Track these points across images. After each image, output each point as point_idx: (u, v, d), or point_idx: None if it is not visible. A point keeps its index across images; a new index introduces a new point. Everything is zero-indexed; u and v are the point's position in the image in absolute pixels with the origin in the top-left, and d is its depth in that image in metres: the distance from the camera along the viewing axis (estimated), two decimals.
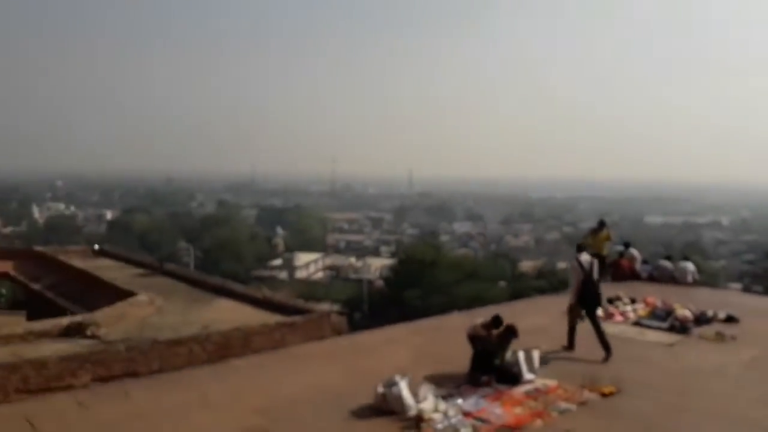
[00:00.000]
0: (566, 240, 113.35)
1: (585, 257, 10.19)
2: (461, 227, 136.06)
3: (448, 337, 10.69)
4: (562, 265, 71.21)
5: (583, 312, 10.17)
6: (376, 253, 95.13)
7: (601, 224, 15.98)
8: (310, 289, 56.44)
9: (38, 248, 31.09)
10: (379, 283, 59.55)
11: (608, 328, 11.89)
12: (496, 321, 8.67)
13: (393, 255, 65.65)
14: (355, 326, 27.78)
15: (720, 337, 11.17)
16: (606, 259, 16.43)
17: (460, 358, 8.86)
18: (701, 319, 12.27)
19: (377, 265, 72.54)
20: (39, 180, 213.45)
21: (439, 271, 47.10)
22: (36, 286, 23.39)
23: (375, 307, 46.36)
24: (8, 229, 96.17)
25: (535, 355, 8.71)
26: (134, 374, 12.55)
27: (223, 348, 13.53)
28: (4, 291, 40.66)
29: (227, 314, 16.68)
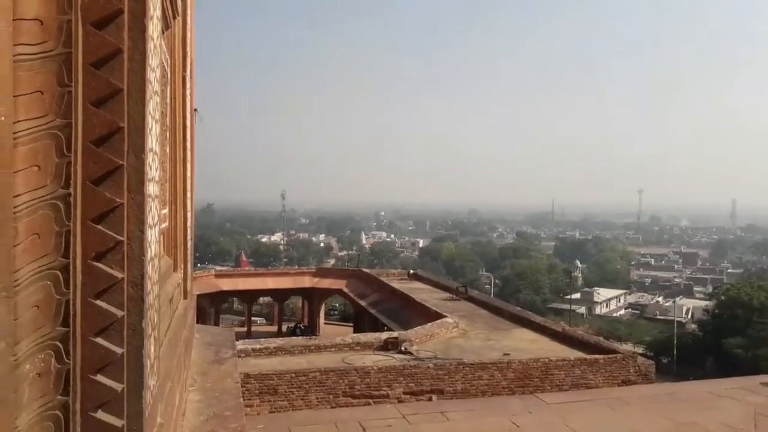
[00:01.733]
0: None
1: None
2: None
3: None
4: None
5: None
6: (687, 292, 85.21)
7: None
8: (611, 327, 53.11)
9: (365, 270, 35.69)
10: (691, 326, 53.07)
11: None
12: None
13: (709, 296, 57.80)
14: (662, 372, 25.20)
15: None
16: None
17: None
18: None
19: (689, 307, 64.94)
20: (367, 212, 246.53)
21: None
22: (362, 302, 26.74)
23: (685, 353, 41.43)
24: (343, 253, 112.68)
25: None
26: (440, 391, 13.41)
27: (522, 377, 13.59)
28: (337, 305, 47.68)
29: (526, 344, 16.71)
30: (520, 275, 73.71)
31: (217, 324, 29.66)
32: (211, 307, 31.46)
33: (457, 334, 17.74)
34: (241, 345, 14.49)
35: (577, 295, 67.74)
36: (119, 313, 1.94)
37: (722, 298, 45.29)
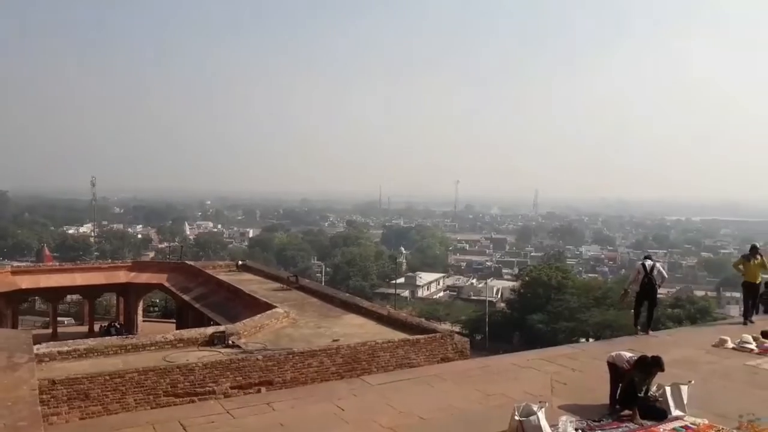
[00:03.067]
0: (705, 266, 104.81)
1: (648, 262, 12.94)
2: (589, 250, 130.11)
3: (585, 366, 10.25)
4: (699, 292, 65.89)
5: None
6: (497, 275, 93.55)
7: (754, 250, 14.53)
8: (432, 309, 56.58)
9: (189, 262, 33.92)
10: (501, 305, 58.43)
11: (763, 364, 10.85)
12: (642, 363, 8.10)
13: (516, 277, 64.04)
14: (476, 348, 27.46)
15: None
16: (759, 289, 14.93)
17: (599, 389, 8.46)
18: None
19: (499, 287, 71.29)
20: (191, 200, 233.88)
21: (566, 295, 45.36)
22: (186, 297, 25.45)
23: (496, 330, 45.52)
24: (164, 245, 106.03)
25: (684, 390, 8.10)
26: (269, 383, 13.25)
27: (350, 361, 13.94)
28: (157, 301, 44.80)
29: (355, 329, 17.16)
30: (350, 262, 75.48)
31: (15, 326, 26.39)
32: (7, 308, 27.87)
33: (287, 323, 17.66)
34: (44, 348, 13.04)
35: (401, 280, 71.10)
36: None
37: (526, 278, 50.39)
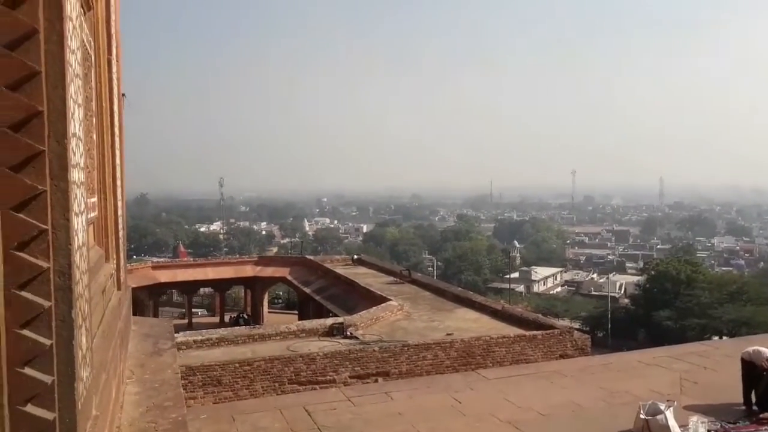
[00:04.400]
0: None
1: None
2: (722, 242, 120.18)
3: (717, 364, 9.58)
4: None
5: None
6: (620, 269, 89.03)
7: None
8: (548, 304, 54.97)
9: (309, 257, 35.45)
10: (624, 300, 55.54)
11: None
12: None
13: (640, 272, 60.58)
14: (597, 345, 26.33)
15: None
16: None
17: (732, 389, 7.89)
18: None
19: (622, 282, 67.88)
20: (309, 198, 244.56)
21: (696, 290, 42.33)
22: (306, 289, 26.63)
23: (619, 326, 43.45)
24: (286, 240, 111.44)
25: None
26: (386, 374, 13.58)
27: (465, 355, 13.94)
28: (281, 293, 47.24)
29: (468, 323, 17.11)
30: (462, 257, 75.14)
31: (156, 317, 28.92)
32: (149, 300, 30.62)
33: (401, 316, 17.96)
34: (182, 337, 14.21)
35: (515, 275, 69.68)
36: (46, 303, 1.87)
37: (652, 273, 47.56)
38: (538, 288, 70.07)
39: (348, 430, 7.20)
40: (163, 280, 31.52)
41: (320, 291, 25.09)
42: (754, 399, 7.63)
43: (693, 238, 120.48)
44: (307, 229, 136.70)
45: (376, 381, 13.05)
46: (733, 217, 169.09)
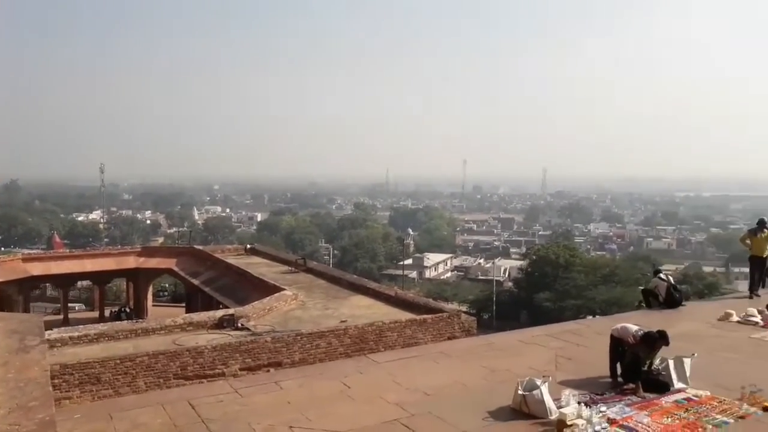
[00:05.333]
0: (714, 242, 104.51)
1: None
2: (597, 228, 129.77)
3: (589, 341, 10.33)
4: (708, 268, 65.74)
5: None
6: (505, 254, 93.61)
7: (762, 224, 14.49)
8: (439, 289, 56.80)
9: (198, 247, 34.12)
10: (508, 284, 58.59)
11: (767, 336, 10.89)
12: (648, 337, 8.13)
13: (523, 257, 64.07)
14: (483, 326, 27.56)
15: None
16: (766, 262, 14.91)
17: (602, 364, 8.54)
18: None
19: (506, 267, 71.39)
20: (199, 186, 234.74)
21: (573, 273, 45.42)
22: (195, 281, 25.66)
23: (503, 308, 45.76)
24: (173, 230, 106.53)
25: (687, 362, 8.16)
26: (278, 364, 13.42)
27: (358, 342, 14.08)
28: (167, 285, 45.20)
29: (363, 310, 17.30)
30: (358, 245, 75.82)
31: (27, 312, 26.74)
32: (18, 295, 28.24)
33: (295, 306, 17.81)
34: (56, 334, 13.23)
35: (409, 261, 71.35)
36: None
37: (534, 257, 50.42)
38: (429, 274, 72.10)
39: (234, 421, 7.04)
40: (35, 274, 29.16)
41: (210, 282, 24.30)
42: (619, 371, 8.30)
43: (571, 224, 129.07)
44: (197, 218, 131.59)
45: (268, 371, 12.86)
46: (608, 205, 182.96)
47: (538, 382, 7.15)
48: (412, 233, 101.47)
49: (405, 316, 15.99)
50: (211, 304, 21.63)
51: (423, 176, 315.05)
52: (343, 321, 15.50)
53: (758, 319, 11.87)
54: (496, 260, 74.61)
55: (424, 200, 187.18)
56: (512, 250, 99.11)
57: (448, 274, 75.86)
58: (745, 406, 7.39)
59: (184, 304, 30.25)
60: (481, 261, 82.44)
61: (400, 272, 62.22)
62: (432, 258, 76.48)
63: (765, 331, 11.30)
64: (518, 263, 65.07)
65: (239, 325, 15.06)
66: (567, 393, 7.23)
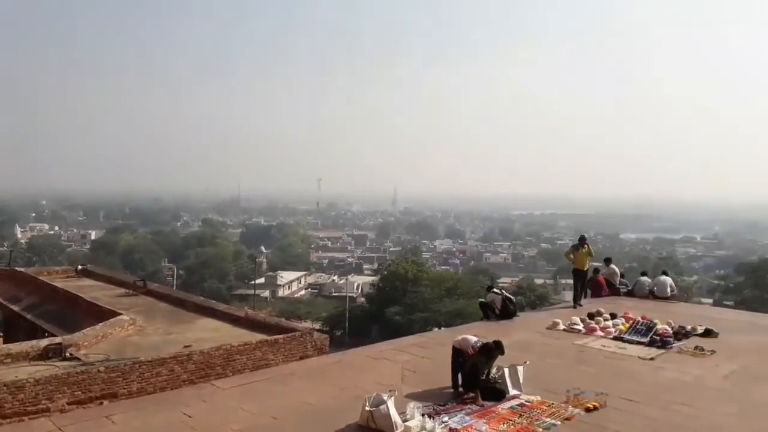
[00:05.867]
0: (544, 256, 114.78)
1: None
2: (442, 244, 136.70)
3: (433, 353, 10.74)
4: (539, 280, 71.99)
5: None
6: (358, 270, 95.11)
7: (582, 240, 16.15)
8: (293, 307, 56.22)
9: (19, 269, 30.46)
10: (361, 299, 59.52)
11: (590, 342, 12.07)
12: (486, 348, 8.65)
13: (375, 272, 65.57)
14: (336, 344, 27.65)
15: (699, 351, 11.35)
16: (587, 275, 16.62)
17: (446, 374, 8.91)
18: (680, 333, 12.48)
19: (359, 283, 72.53)
20: (22, 200, 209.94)
21: (421, 287, 47.24)
22: (15, 307, 22.88)
23: (356, 324, 46.31)
24: None
25: (520, 370, 8.78)
26: (113, 396, 12.35)
27: (204, 367, 13.40)
28: None
29: (209, 333, 16.49)
30: (206, 264, 72.76)
31: None
32: None
33: (133, 331, 16.51)
34: None
35: (261, 280, 69.86)
36: None
37: (385, 273, 51.80)
38: (283, 292, 71.17)
39: None
40: None
41: (33, 308, 21.81)
42: (460, 381, 8.71)
43: (419, 240, 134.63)
44: (20, 236, 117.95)
45: (101, 404, 11.79)
46: (452, 222, 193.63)
47: (385, 396, 7.28)
48: (265, 251, 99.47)
49: (256, 337, 15.51)
50: (35, 333, 19.38)
51: (276, 192, 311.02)
52: (187, 346, 14.66)
53: (581, 326, 13.15)
54: (350, 276, 75.56)
55: (278, 217, 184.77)
56: (365, 266, 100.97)
57: (302, 292, 75.36)
58: (570, 408, 8.10)
59: (1, 334, 26.87)
60: (335, 278, 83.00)
61: (251, 292, 60.65)
62: (285, 276, 75.56)
63: (587, 337, 12.53)
64: (371, 279, 66.42)
65: (67, 354, 13.66)
66: (412, 406, 7.44)
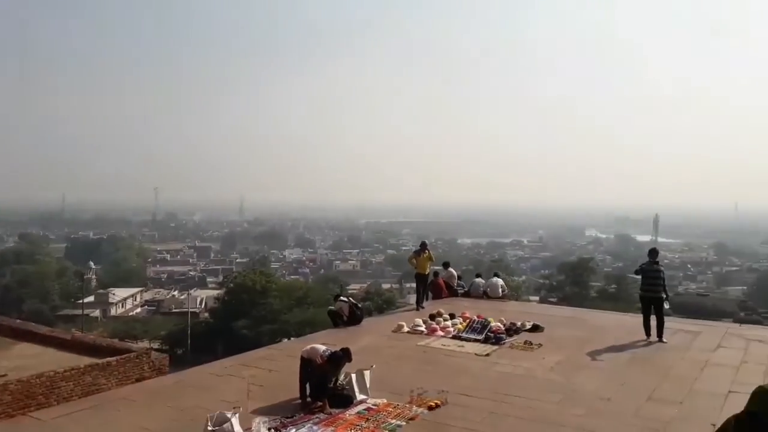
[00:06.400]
0: (390, 262, 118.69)
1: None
2: (292, 254, 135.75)
3: (281, 365, 10.54)
4: (386, 285, 74.29)
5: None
6: (202, 284, 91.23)
7: (423, 246, 16.93)
8: (127, 327, 52.36)
9: None
10: (205, 315, 56.97)
11: (432, 342, 12.61)
12: (334, 356, 8.67)
13: (221, 285, 63.25)
14: (178, 363, 26.18)
15: (528, 345, 12.35)
16: (428, 278, 17.41)
17: (294, 386, 8.77)
18: (511, 330, 13.50)
19: (203, 297, 69.55)
20: None
21: (270, 299, 46.51)
22: None
23: (200, 341, 44.28)
24: None
25: (367, 375, 8.90)
26: None
27: (23, 398, 11.94)
28: None
29: (29, 360, 14.75)
30: (24, 283, 65.38)
31: None
32: None
33: None
34: None
35: (90, 299, 64.19)
36: None
37: (231, 285, 50.21)
38: (116, 311, 66.06)
39: None
40: None
41: None
42: (308, 391, 8.62)
43: (268, 250, 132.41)
44: None
45: None
46: (302, 231, 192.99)
47: (228, 414, 6.98)
48: (94, 267, 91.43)
49: (85, 361, 14.15)
50: None
51: (107, 203, 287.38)
52: (3, 375, 13.00)
53: (423, 328, 13.69)
54: (192, 291, 72.14)
55: (108, 229, 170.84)
56: (209, 279, 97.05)
57: (138, 310, 70.43)
58: (414, 407, 8.36)
59: None
60: (176, 293, 78.70)
61: (79, 312, 55.41)
62: (119, 293, 70.09)
63: (429, 338, 13.07)
64: (215, 292, 63.90)
65: None
66: (257, 421, 7.21)
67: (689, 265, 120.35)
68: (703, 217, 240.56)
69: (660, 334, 12.71)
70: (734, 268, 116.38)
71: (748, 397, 3.71)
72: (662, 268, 12.95)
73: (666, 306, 13.26)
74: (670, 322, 13.48)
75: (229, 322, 44.79)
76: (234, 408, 7.22)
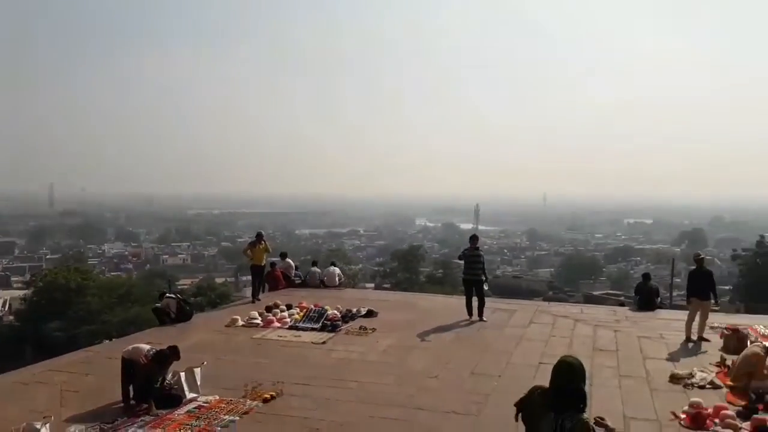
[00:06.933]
0: (224, 255, 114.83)
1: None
2: (113, 248, 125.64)
3: (100, 368, 9.72)
4: (220, 279, 71.79)
5: None
6: (4, 284, 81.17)
7: (259, 237, 16.57)
8: None
9: None
10: (9, 318, 50.83)
11: (268, 334, 12.42)
12: (160, 355, 8.15)
13: (28, 285, 56.69)
14: None
15: (363, 330, 12.67)
16: (264, 270, 17.09)
17: (115, 390, 8.13)
18: (347, 317, 13.76)
19: (6, 298, 62.04)
20: None
21: (87, 297, 42.65)
22: None
23: (4, 347, 39.36)
24: None
25: (198, 372, 8.51)
26: None
27: None
28: None
29: None
30: None
31: None
32: None
33: None
34: None
35: None
36: None
37: (40, 284, 45.14)
38: None
39: None
40: None
41: None
42: (132, 393, 8.02)
43: (84, 245, 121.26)
44: None
45: None
46: (123, 224, 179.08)
47: (38, 425, 6.28)
48: None
49: None
50: None
51: None
52: None
53: (259, 320, 13.43)
54: None
55: None
56: (14, 278, 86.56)
57: None
58: (249, 401, 8.16)
59: None
60: None
61: None
62: None
63: (264, 330, 12.84)
64: (21, 293, 57.08)
65: None
66: (73, 429, 6.57)
67: (506, 250, 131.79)
68: (517, 206, 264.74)
69: (481, 314, 13.75)
70: (543, 252, 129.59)
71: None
72: (482, 253, 14.00)
73: (486, 288, 14.38)
74: (489, 302, 14.61)
75: (38, 325, 40.28)
76: (44, 417, 6.51)
